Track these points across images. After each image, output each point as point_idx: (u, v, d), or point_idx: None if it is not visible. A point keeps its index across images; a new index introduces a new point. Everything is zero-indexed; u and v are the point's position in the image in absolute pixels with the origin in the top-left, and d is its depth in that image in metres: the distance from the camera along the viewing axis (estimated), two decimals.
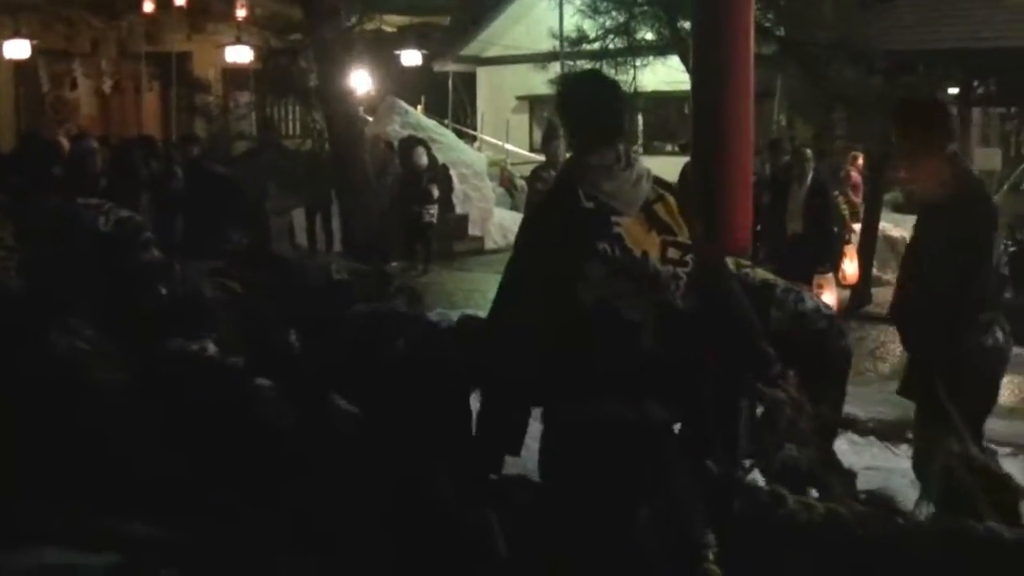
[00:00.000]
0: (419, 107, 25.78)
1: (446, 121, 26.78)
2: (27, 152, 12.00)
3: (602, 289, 4.03)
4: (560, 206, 4.19)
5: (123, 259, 7.42)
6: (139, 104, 25.36)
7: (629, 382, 4.07)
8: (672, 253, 4.11)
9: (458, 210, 20.62)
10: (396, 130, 20.36)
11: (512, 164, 25.39)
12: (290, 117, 26.32)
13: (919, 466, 5.48)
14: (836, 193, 12.76)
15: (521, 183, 21.82)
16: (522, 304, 4.27)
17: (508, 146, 27.46)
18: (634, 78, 18.74)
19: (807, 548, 4.82)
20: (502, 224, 20.72)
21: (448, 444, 5.35)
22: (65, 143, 13.55)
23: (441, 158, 19.50)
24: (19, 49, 21.77)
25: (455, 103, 30.19)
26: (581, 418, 4.12)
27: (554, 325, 4.12)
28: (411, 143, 18.08)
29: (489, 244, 20.69)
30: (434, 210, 17.58)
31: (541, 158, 15.46)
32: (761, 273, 6.11)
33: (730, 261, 5.73)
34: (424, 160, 17.37)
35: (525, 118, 31.43)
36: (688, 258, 4.14)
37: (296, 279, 7.78)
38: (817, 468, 5.49)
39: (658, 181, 4.24)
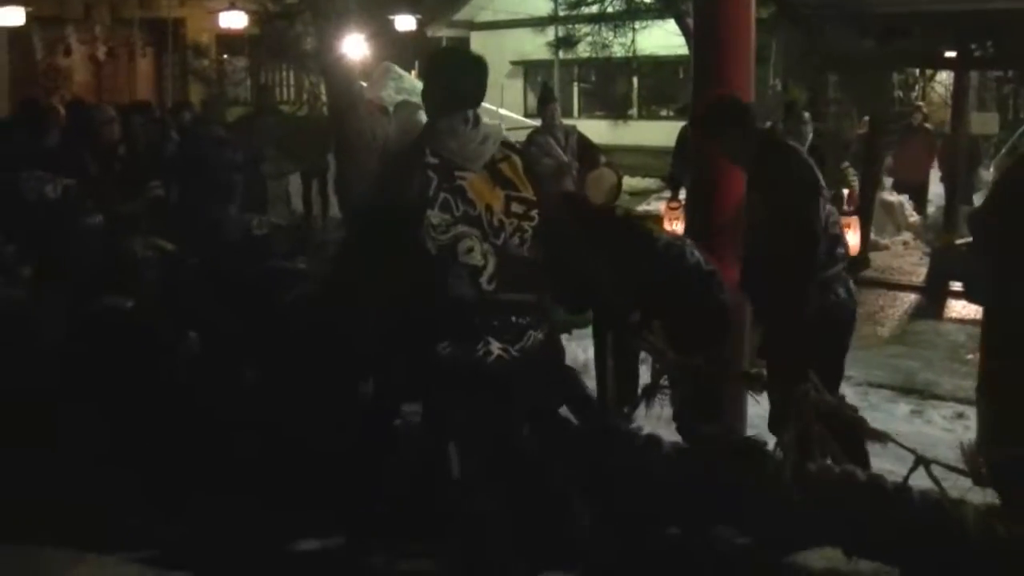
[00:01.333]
0: (412, 72, 25.68)
1: None
2: (24, 119, 11.97)
3: (445, 237, 4.39)
4: (407, 162, 4.54)
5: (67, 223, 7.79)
6: (133, 70, 25.31)
7: (470, 324, 4.45)
8: (516, 207, 4.51)
9: None
10: (391, 95, 20.23)
11: (507, 129, 25.30)
12: (286, 82, 26.26)
13: (775, 422, 5.73)
14: (845, 164, 12.53)
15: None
16: (368, 255, 4.74)
17: (502, 111, 27.36)
18: (632, 41, 18.74)
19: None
20: None
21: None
22: (61, 110, 13.56)
23: None
24: (14, 16, 21.62)
25: None
26: (430, 360, 4.49)
27: (400, 273, 4.50)
28: (407, 108, 18.00)
29: None
30: None
31: (535, 123, 15.47)
32: (647, 227, 6.49)
33: (620, 214, 6.44)
34: (421, 124, 17.27)
35: (519, 83, 31.43)
36: (533, 212, 4.53)
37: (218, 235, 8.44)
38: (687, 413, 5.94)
39: (506, 143, 4.66)
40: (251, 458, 5.97)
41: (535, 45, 29.33)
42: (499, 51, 31.09)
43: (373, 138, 14.65)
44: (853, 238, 12.14)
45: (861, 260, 13.53)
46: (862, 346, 10.20)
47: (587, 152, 11.89)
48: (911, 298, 12.73)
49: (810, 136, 11.25)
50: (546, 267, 4.62)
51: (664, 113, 29.11)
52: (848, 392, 8.74)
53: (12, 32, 23.01)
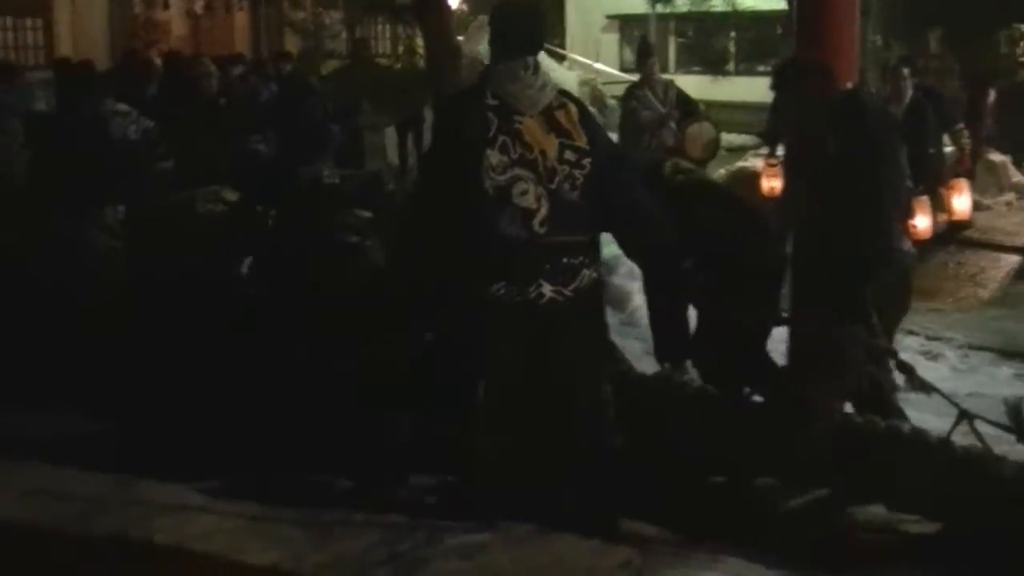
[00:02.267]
0: None
1: None
2: (125, 71, 12.10)
3: (503, 178, 4.59)
4: (468, 101, 4.79)
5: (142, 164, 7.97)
6: (230, 24, 25.42)
7: (523, 266, 4.64)
8: (568, 155, 4.68)
9: None
10: (486, 48, 20.16)
11: (603, 83, 25.14)
12: (382, 36, 26.22)
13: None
14: (960, 125, 12.08)
15: (612, 102, 21.60)
16: (432, 189, 4.99)
17: (598, 65, 27.20)
18: None
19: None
20: None
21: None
22: (158, 63, 13.69)
23: None
24: None
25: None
26: (479, 297, 4.69)
27: (459, 209, 4.69)
28: None
29: None
30: None
31: (631, 77, 15.37)
32: (700, 178, 6.62)
33: (669, 165, 6.50)
34: None
35: (615, 37, 31.15)
36: (585, 161, 4.70)
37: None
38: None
39: (563, 92, 4.87)
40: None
41: (631, 0, 29.17)
42: (595, 5, 30.88)
43: None
44: (962, 202, 11.83)
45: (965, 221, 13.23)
46: (963, 308, 10.07)
47: (686, 106, 11.84)
48: (1014, 259, 12.43)
49: (910, 94, 11.03)
50: (599, 210, 4.77)
51: (762, 69, 28.68)
52: (949, 354, 8.66)
53: None
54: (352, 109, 11.45)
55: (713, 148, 11.63)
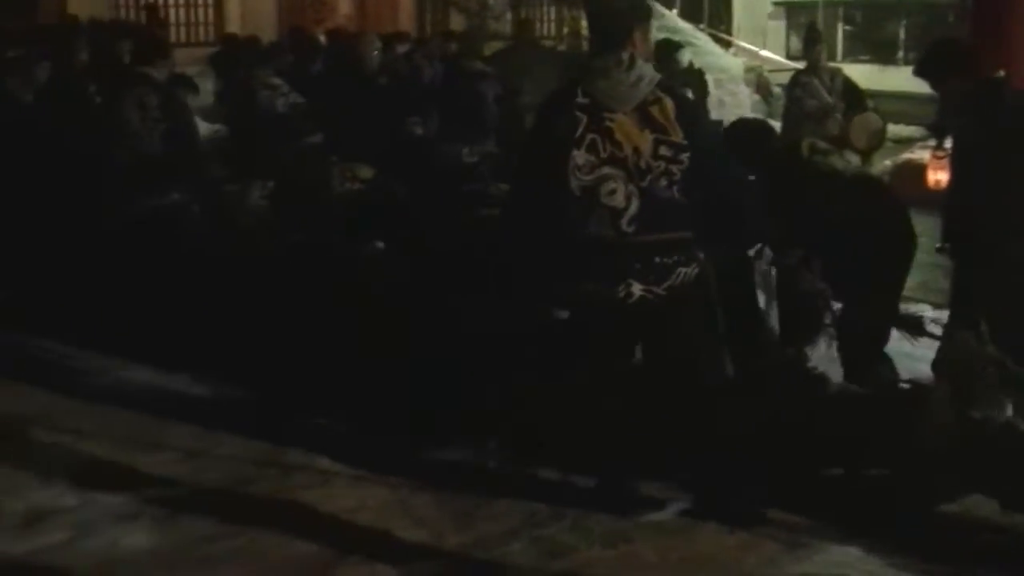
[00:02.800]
0: (674, 10, 25.36)
1: (701, 26, 26.27)
2: (291, 47, 12.24)
3: (589, 178, 4.62)
4: (559, 100, 4.79)
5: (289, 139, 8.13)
6: (395, 3, 25.59)
7: (610, 265, 4.67)
8: (664, 151, 4.63)
9: (713, 115, 20.22)
10: (652, 33, 20.01)
11: (768, 71, 24.81)
12: (546, 17, 26.18)
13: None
14: None
15: (777, 90, 21.27)
16: (526, 188, 5.05)
17: (764, 52, 26.83)
18: None
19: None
20: None
21: None
22: (323, 40, 13.83)
23: (697, 62, 19.09)
24: None
25: (711, 8, 29.64)
26: (568, 297, 4.87)
27: (548, 207, 4.73)
28: (668, 46, 17.78)
29: None
30: None
31: (797, 65, 15.11)
32: (833, 161, 6.41)
33: (805, 146, 6.41)
34: (684, 63, 16.99)
35: (782, 24, 30.69)
36: (683, 156, 4.64)
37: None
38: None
39: (661, 86, 4.72)
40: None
41: None
42: None
43: None
44: None
45: None
46: None
47: (853, 95, 11.64)
48: None
49: None
50: (699, 206, 4.76)
51: None
52: None
53: None
54: (514, 90, 11.37)
55: (879, 139, 11.40)
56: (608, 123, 4.63)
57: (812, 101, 11.42)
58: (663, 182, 4.65)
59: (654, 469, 5.19)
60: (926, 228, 6.56)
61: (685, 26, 22.29)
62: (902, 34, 28.89)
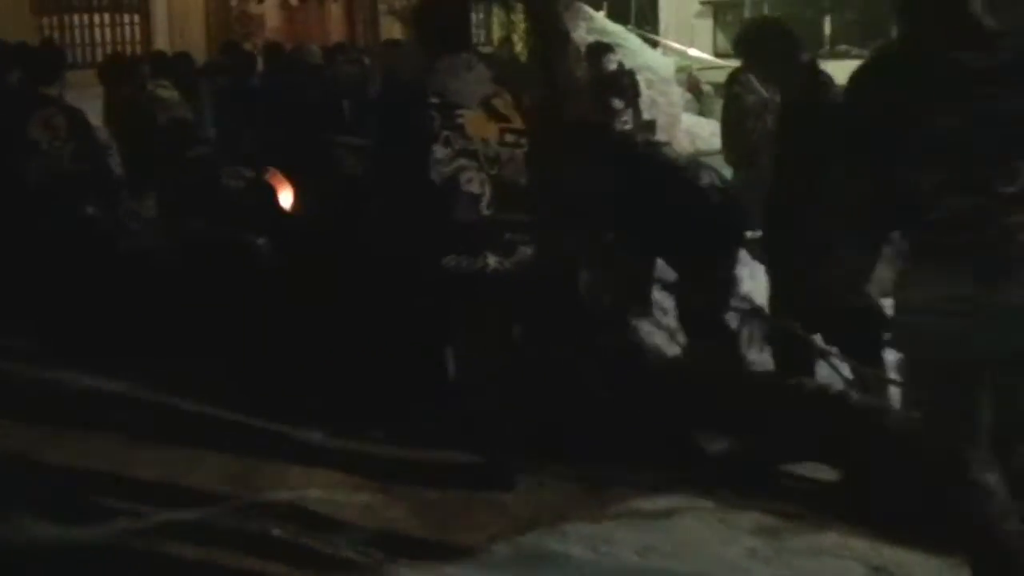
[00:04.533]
0: (602, 12, 25.45)
1: (629, 27, 26.39)
2: (228, 63, 12.19)
3: (449, 169, 5.05)
4: (412, 102, 5.16)
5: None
6: (324, 15, 25.53)
7: (472, 242, 5.16)
8: (509, 138, 5.21)
9: (645, 115, 20.27)
10: (582, 36, 20.02)
11: (698, 69, 24.95)
12: (481, 24, 26.18)
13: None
14: None
15: (708, 88, 21.41)
16: (390, 181, 5.51)
17: (692, 51, 26.99)
18: None
19: None
20: (689, 130, 20.33)
21: None
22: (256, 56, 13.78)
23: (627, 63, 19.14)
24: None
25: (638, 8, 29.77)
26: (439, 269, 5.19)
27: (413, 198, 5.23)
28: (599, 49, 17.82)
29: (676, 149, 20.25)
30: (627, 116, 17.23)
31: (726, 63, 15.20)
32: (666, 151, 7.01)
33: (640, 138, 7.15)
34: (613, 66, 17.04)
35: (709, 23, 30.96)
36: (523, 140, 5.25)
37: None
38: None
39: (496, 80, 5.27)
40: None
41: None
42: None
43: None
44: None
45: None
46: None
47: None
48: None
49: None
50: (538, 189, 5.44)
51: (855, 53, 28.37)
52: None
53: None
54: None
55: None
56: (459, 119, 5.09)
57: (751, 96, 11.45)
58: (511, 167, 5.23)
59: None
60: None
61: (615, 28, 22.33)
62: (827, 29, 29.20)
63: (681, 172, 6.59)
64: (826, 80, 6.04)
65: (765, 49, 6.15)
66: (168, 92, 10.09)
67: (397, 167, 5.34)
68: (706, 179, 6.56)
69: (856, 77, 3.85)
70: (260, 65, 12.97)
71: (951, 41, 3.65)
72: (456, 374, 5.64)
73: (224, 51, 13.97)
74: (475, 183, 5.13)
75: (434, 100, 5.08)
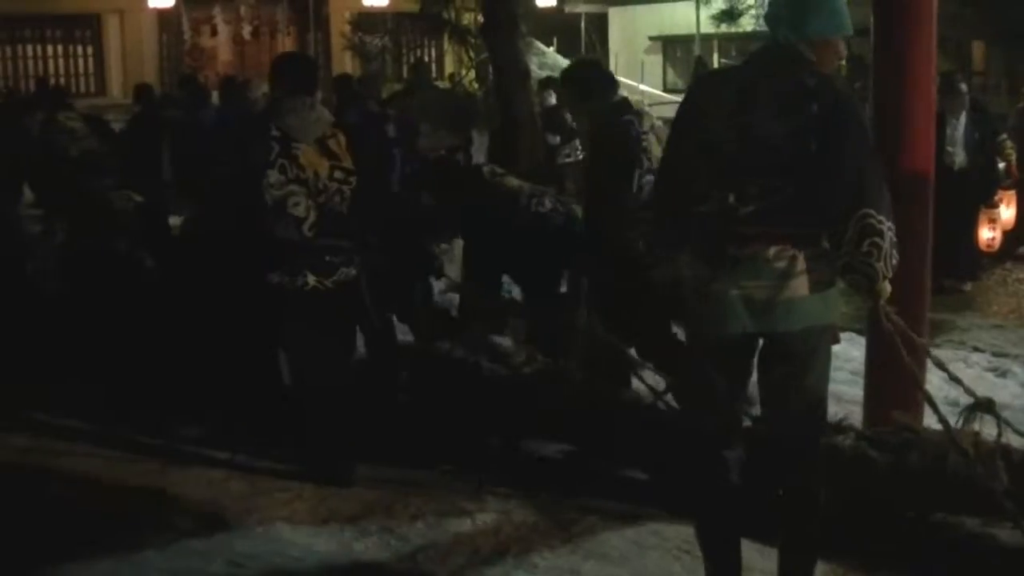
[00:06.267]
0: (551, 48, 25.69)
1: None
2: (184, 95, 12.25)
3: (280, 192, 5.62)
4: (257, 131, 5.83)
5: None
6: (276, 49, 25.62)
7: (293, 261, 5.69)
8: (338, 174, 5.77)
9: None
10: (534, 71, 20.18)
11: (648, 105, 25.17)
12: (443, 60, 26.34)
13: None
14: (1003, 137, 12.01)
15: (658, 123, 21.54)
16: (230, 203, 6.23)
17: (642, 87, 27.24)
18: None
19: None
20: None
21: None
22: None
23: None
24: None
25: (587, 44, 30.05)
26: (264, 286, 5.73)
27: (247, 217, 5.80)
28: (549, 84, 17.93)
29: None
30: (568, 149, 17.28)
31: (676, 98, 15.37)
32: (511, 181, 7.44)
33: (486, 170, 7.70)
34: (552, 100, 17.11)
35: (658, 59, 31.25)
36: (351, 179, 5.78)
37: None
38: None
39: (335, 124, 5.95)
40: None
41: (674, 20, 29.19)
42: (639, 27, 31.01)
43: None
44: (1008, 212, 11.76)
45: (1019, 235, 13.12)
46: (1020, 325, 9.96)
47: None
48: None
49: (966, 108, 10.99)
50: (363, 218, 5.91)
51: None
52: (1017, 371, 8.52)
53: (162, 13, 23.49)
54: (413, 132, 11.49)
55: None
56: (295, 151, 5.67)
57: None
58: (336, 198, 5.76)
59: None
60: None
61: (565, 62, 22.53)
62: None
63: (524, 199, 7.22)
64: (631, 119, 6.68)
65: (576, 87, 6.77)
66: (78, 122, 10.15)
67: (239, 188, 5.95)
68: (548, 205, 7.17)
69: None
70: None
71: None
72: (288, 379, 6.19)
73: (184, 84, 14.06)
74: (301, 207, 5.67)
75: (276, 133, 5.68)
